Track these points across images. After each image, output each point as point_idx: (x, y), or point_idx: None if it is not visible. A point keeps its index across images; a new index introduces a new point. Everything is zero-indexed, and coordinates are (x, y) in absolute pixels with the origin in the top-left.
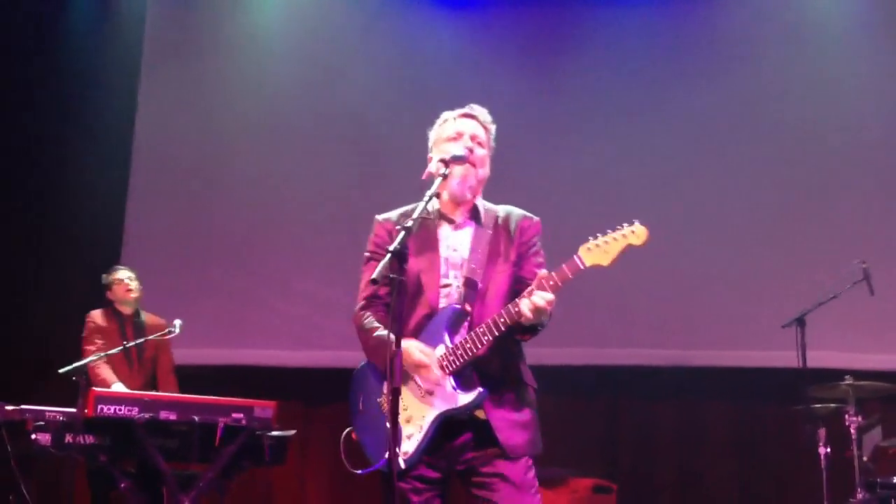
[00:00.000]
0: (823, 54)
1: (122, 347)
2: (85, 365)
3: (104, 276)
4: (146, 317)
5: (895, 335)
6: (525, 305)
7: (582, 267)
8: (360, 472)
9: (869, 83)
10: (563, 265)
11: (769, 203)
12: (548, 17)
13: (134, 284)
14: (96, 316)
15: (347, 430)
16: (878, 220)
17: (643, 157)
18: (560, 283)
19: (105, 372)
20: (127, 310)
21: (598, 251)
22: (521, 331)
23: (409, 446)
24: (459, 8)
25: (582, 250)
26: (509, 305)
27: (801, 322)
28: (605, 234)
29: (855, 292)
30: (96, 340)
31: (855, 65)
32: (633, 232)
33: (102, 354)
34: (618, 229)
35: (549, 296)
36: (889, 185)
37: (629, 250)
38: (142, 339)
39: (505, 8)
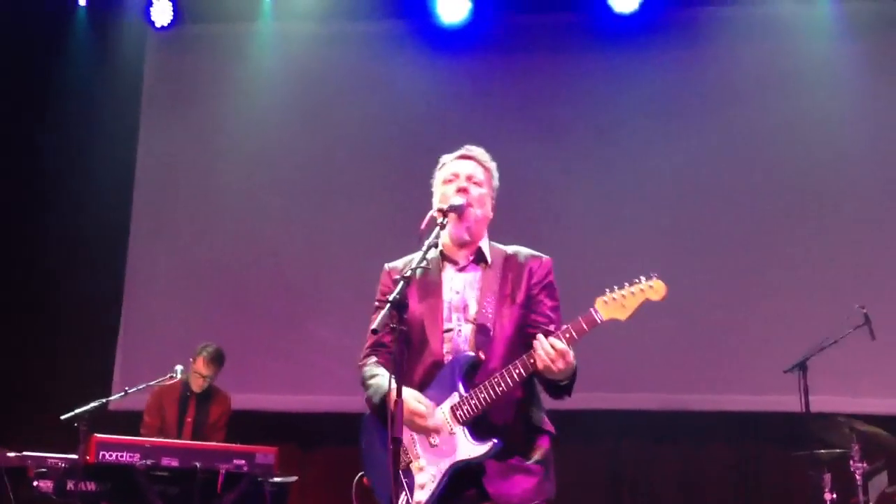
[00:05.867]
0: (817, 101)
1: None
2: (85, 412)
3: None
4: (215, 394)
5: None
6: (539, 355)
7: (599, 321)
8: None
9: (869, 129)
10: (580, 318)
11: (769, 248)
12: (545, 64)
13: (207, 371)
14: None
15: (359, 475)
16: (877, 265)
17: (641, 201)
18: (576, 336)
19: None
20: (195, 387)
21: (615, 305)
22: (549, 388)
23: (422, 496)
24: (453, 54)
25: (598, 303)
26: (524, 356)
27: (802, 367)
28: (622, 287)
29: (856, 337)
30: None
31: (851, 112)
32: (651, 287)
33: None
34: (635, 283)
35: (561, 344)
36: (888, 231)
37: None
38: (143, 385)
39: (501, 54)
